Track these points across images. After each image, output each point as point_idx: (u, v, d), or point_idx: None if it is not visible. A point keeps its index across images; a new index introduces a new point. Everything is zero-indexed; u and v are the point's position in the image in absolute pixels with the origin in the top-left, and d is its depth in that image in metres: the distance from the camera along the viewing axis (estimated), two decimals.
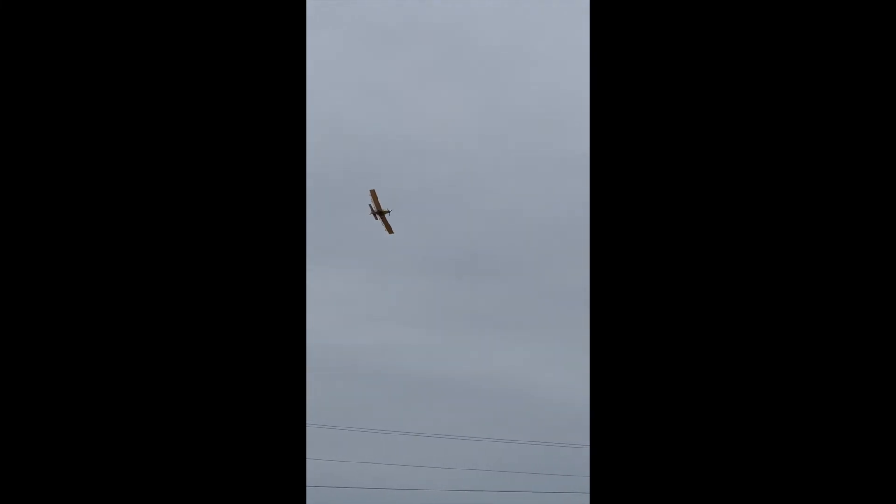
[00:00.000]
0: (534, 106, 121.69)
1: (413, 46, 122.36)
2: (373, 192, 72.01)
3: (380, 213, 72.48)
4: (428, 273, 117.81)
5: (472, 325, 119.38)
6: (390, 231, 73.65)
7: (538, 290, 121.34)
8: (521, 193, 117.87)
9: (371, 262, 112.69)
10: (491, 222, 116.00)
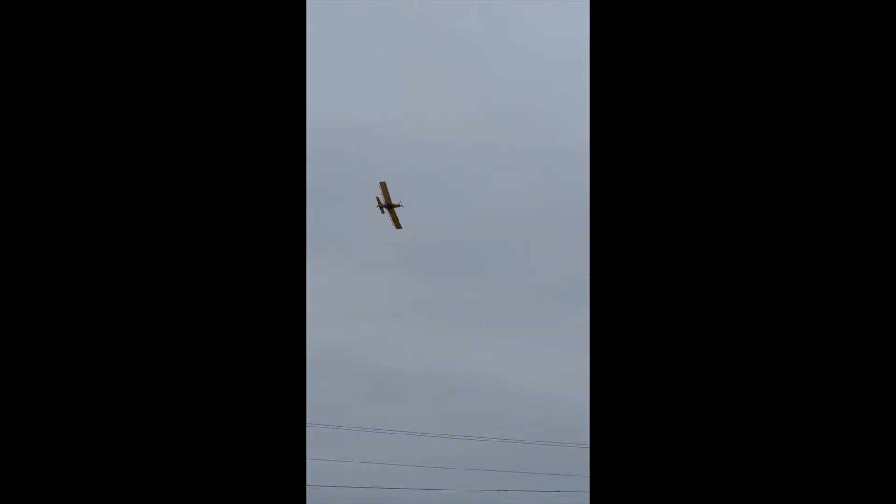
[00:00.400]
0: (516, 96, 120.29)
1: (392, 34, 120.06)
2: (383, 185, 69.39)
3: (389, 206, 69.59)
4: (406, 267, 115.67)
5: (449, 320, 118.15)
6: (398, 226, 70.83)
7: (517, 285, 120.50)
8: (502, 186, 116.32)
9: (349, 256, 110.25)
10: (471, 215, 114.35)
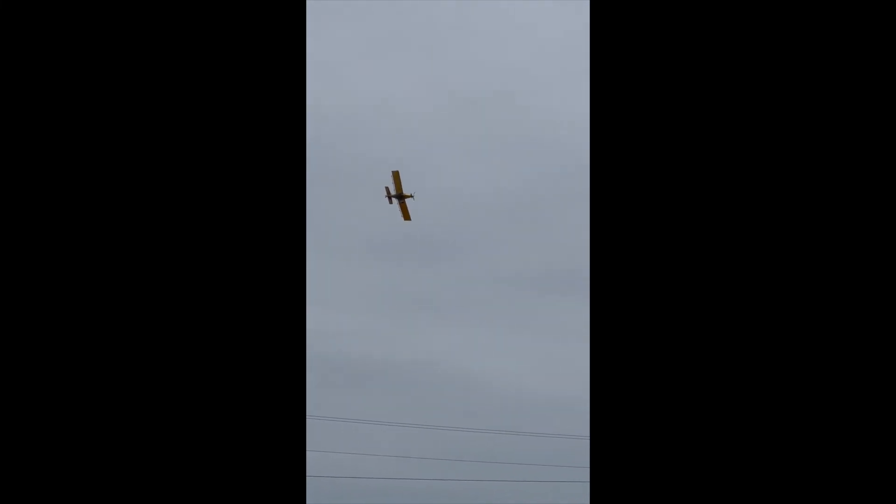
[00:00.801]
0: (485, 83, 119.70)
1: (358, 19, 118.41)
2: (396, 174, 67.69)
3: (401, 196, 67.87)
4: (372, 255, 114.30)
5: (416, 308, 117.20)
6: (407, 217, 69.17)
7: (486, 273, 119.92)
8: (465, 173, 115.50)
9: (314, 244, 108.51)
10: (439, 203, 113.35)
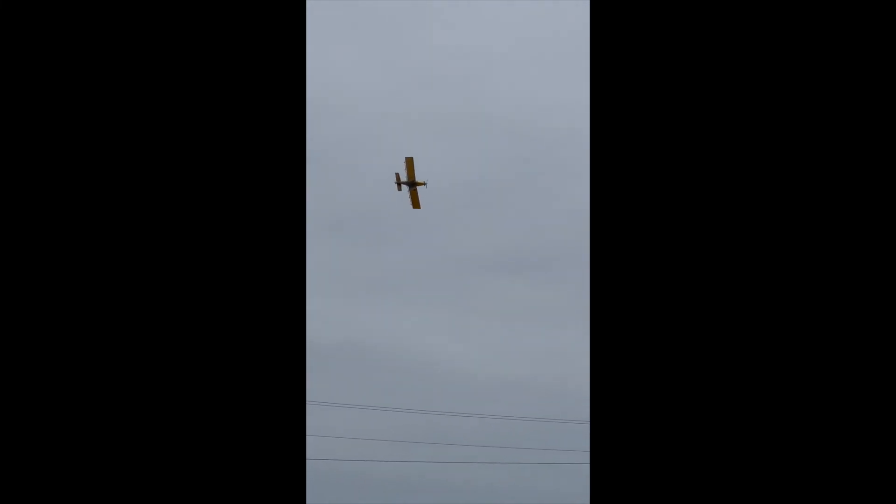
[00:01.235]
0: (441, 65, 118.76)
1: (308, 2, 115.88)
2: (409, 161, 66.01)
3: (413, 184, 66.21)
4: (325, 237, 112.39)
5: (368, 290, 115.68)
6: (417, 205, 67.54)
7: (439, 255, 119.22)
8: (421, 155, 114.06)
9: None
10: (388, 184, 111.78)
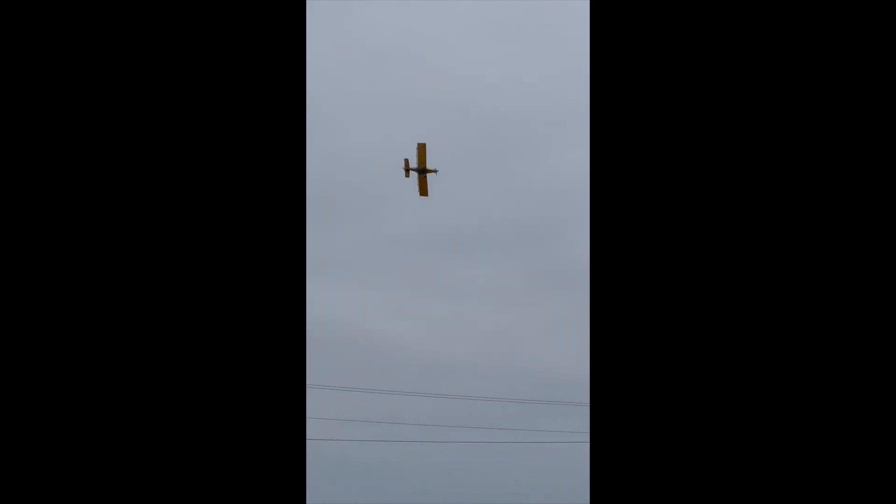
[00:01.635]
0: (377, 41, 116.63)
1: None
2: (422, 147, 63.68)
3: (424, 170, 63.82)
4: None
5: (310, 269, 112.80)
6: (425, 193, 65.16)
7: (377, 234, 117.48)
8: (359, 133, 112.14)
9: None
10: (332, 162, 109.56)
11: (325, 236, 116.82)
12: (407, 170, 65.69)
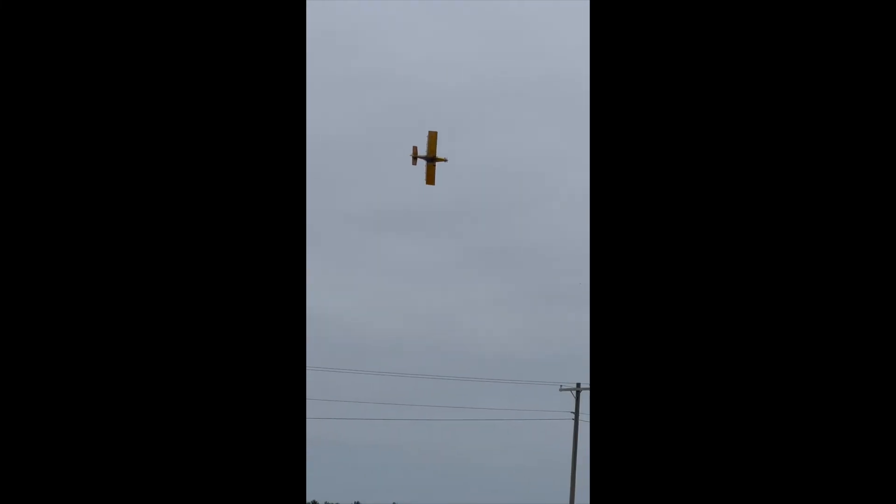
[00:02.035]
0: (316, 25, 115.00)
1: None
2: (433, 135, 62.88)
3: (433, 159, 63.13)
4: None
5: None
6: (432, 181, 64.45)
7: (320, 211, 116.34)
8: (310, 111, 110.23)
9: None
10: None
11: None
12: (415, 157, 64.85)
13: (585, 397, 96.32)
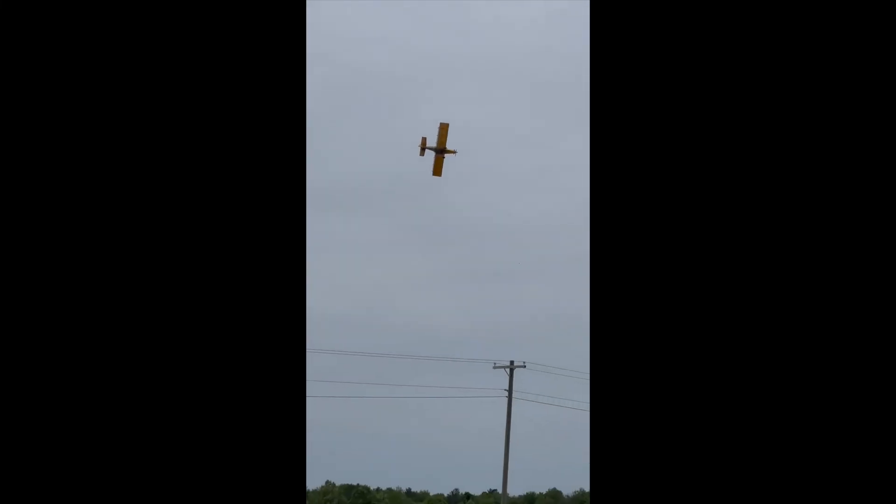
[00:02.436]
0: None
1: None
2: (444, 127, 61.63)
3: (443, 151, 61.91)
4: None
5: None
6: (439, 173, 63.27)
7: None
8: None
9: None
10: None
11: None
12: (423, 148, 63.20)
13: (519, 375, 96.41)
